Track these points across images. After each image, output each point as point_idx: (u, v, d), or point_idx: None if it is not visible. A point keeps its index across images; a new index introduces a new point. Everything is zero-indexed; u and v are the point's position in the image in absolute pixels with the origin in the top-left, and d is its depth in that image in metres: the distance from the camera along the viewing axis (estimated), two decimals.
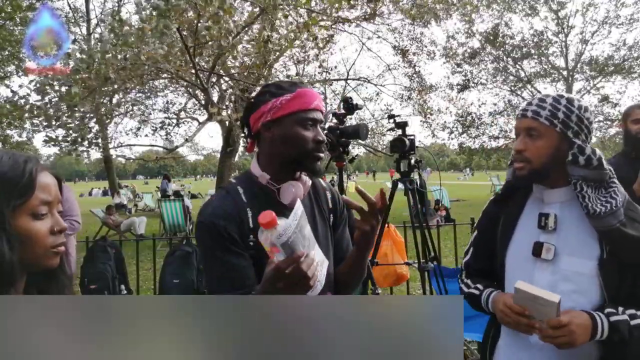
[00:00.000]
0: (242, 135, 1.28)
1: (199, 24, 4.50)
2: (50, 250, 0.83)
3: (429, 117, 13.01)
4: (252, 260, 1.12)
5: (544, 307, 1.11)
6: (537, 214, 1.30)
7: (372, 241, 1.20)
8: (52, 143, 5.87)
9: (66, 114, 5.69)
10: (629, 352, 1.18)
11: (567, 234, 1.25)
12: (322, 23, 6.28)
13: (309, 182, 1.25)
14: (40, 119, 5.64)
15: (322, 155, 1.21)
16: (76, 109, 5.37)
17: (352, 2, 5.26)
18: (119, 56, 4.62)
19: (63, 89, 4.93)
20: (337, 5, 5.26)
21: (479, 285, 1.41)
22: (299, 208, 0.96)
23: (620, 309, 1.16)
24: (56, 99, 5.30)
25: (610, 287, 1.18)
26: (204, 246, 1.14)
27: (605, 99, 14.96)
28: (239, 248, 1.11)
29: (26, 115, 5.35)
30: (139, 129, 12.15)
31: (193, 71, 5.41)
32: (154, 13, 3.97)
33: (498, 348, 1.38)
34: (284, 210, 1.18)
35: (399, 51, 12.09)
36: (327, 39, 6.31)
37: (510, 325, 1.22)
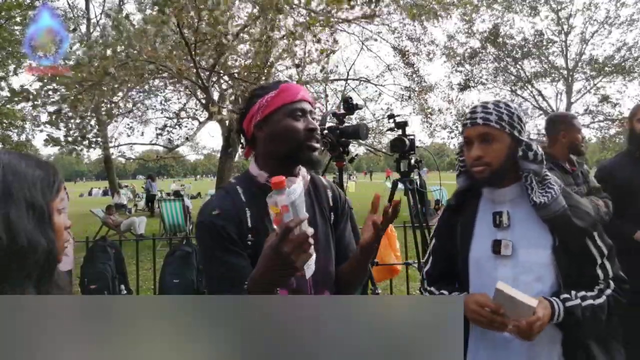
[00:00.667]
0: (240, 144, 1.30)
1: (198, 22, 4.51)
2: (62, 245, 0.88)
3: (429, 117, 13.02)
4: (250, 260, 1.12)
5: (520, 309, 1.18)
6: (491, 214, 1.39)
7: (378, 245, 1.23)
8: (53, 143, 5.87)
9: (66, 112, 5.69)
10: (583, 329, 1.28)
11: (521, 228, 1.35)
12: (322, 23, 6.28)
13: (308, 177, 1.26)
14: (42, 114, 5.66)
15: (316, 145, 1.20)
16: (78, 107, 5.37)
17: (351, 2, 5.26)
18: (121, 52, 4.62)
19: (63, 90, 4.94)
20: (336, 5, 5.26)
21: (443, 291, 1.47)
22: (298, 185, 0.96)
23: (573, 292, 1.26)
24: (57, 97, 5.31)
25: (564, 271, 1.28)
26: (204, 246, 1.15)
27: (605, 98, 14.96)
28: (238, 248, 1.12)
29: (33, 113, 5.37)
30: (141, 131, 12.15)
31: (194, 70, 5.41)
32: (155, 8, 3.98)
33: (469, 350, 1.42)
34: None
35: (398, 51, 12.09)
36: (329, 51, 6.33)
37: (483, 323, 1.27)
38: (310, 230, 0.93)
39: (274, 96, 1.17)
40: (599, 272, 1.31)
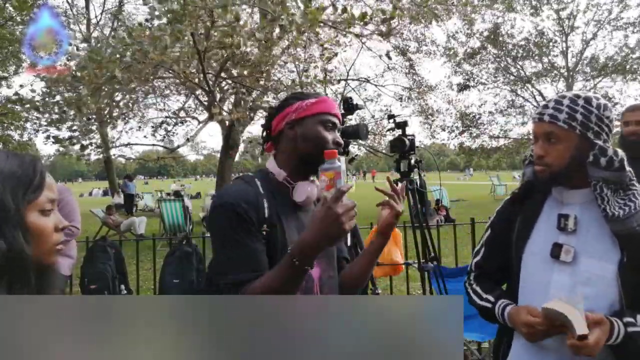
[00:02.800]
0: (259, 141, 1.36)
1: (211, 31, 4.51)
2: (54, 247, 0.85)
3: (429, 117, 13.03)
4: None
5: (571, 329, 1.10)
6: (557, 215, 1.27)
7: (390, 234, 1.32)
8: (59, 145, 5.87)
9: (71, 114, 5.68)
10: (637, 358, 1.17)
11: (587, 236, 1.22)
12: (333, 35, 6.30)
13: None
14: (45, 116, 5.65)
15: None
16: (82, 110, 5.37)
17: (366, 19, 5.23)
18: (127, 55, 4.62)
19: (65, 88, 4.93)
20: (349, 22, 5.25)
21: (489, 297, 1.37)
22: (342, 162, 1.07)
23: (639, 317, 1.14)
24: (62, 99, 5.31)
25: (628, 291, 1.16)
26: (222, 229, 1.13)
27: (605, 98, 14.96)
28: (257, 232, 1.13)
29: (35, 115, 5.37)
30: (139, 128, 12.16)
31: (198, 73, 5.43)
32: (169, 16, 3.97)
33: (511, 354, 1.35)
34: (298, 210, 1.24)
35: (399, 51, 12.09)
36: (332, 54, 6.33)
37: (538, 337, 1.19)
38: (353, 201, 1.02)
39: (314, 103, 1.24)
40: None
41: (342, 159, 1.10)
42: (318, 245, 1.02)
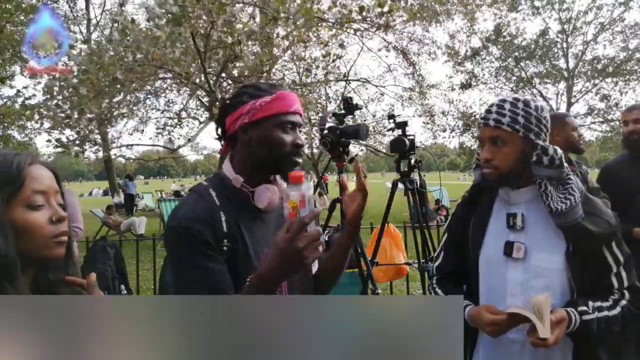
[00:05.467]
0: (216, 137, 1.24)
1: (211, 30, 4.51)
2: (51, 240, 0.84)
3: (431, 118, 13.03)
4: (226, 265, 1.08)
5: (534, 329, 1.16)
6: (505, 215, 1.34)
7: (359, 226, 1.23)
8: (61, 147, 5.87)
9: (75, 117, 5.68)
10: (596, 340, 1.26)
11: (535, 231, 1.30)
12: (332, 32, 6.29)
13: (284, 185, 1.21)
14: (47, 120, 5.65)
15: (299, 160, 1.18)
16: (85, 111, 5.38)
17: (364, 13, 5.22)
18: (129, 57, 4.63)
19: (68, 92, 4.93)
20: (348, 16, 5.25)
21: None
22: (310, 182, 0.98)
23: (591, 304, 1.22)
24: (63, 100, 5.31)
25: (577, 279, 1.24)
26: (177, 252, 1.08)
27: (605, 98, 14.97)
28: (214, 252, 1.07)
29: (36, 117, 5.37)
30: (142, 130, 12.16)
31: (200, 73, 5.43)
32: (169, 17, 3.97)
33: (477, 351, 1.40)
34: (261, 214, 1.16)
35: (399, 51, 12.09)
36: (335, 57, 6.32)
37: (501, 333, 1.24)
38: (319, 229, 0.94)
39: (269, 102, 1.12)
40: (614, 280, 1.27)
41: (310, 184, 0.99)
42: (277, 279, 0.97)
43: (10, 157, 0.82)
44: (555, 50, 15.71)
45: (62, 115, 5.49)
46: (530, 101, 1.29)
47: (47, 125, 5.94)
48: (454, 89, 15.47)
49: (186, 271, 1.07)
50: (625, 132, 2.59)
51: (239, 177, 1.15)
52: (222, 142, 1.23)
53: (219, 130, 1.22)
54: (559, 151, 1.27)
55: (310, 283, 1.24)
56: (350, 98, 2.92)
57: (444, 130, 14.82)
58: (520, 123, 1.26)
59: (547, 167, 1.25)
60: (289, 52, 6.62)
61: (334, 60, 6.36)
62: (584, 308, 1.21)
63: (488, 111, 1.31)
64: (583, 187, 1.32)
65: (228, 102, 1.19)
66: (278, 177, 1.21)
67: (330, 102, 12.06)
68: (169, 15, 3.97)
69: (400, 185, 2.97)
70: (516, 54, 15.30)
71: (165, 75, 6.64)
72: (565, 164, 1.28)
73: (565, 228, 1.24)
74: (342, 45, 6.68)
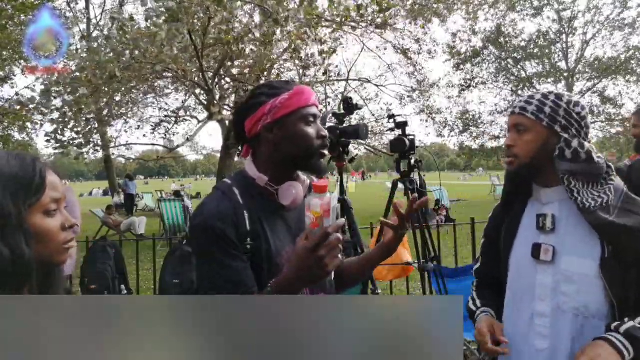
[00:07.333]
0: (232, 142, 1.27)
1: (209, 27, 4.51)
2: (62, 246, 0.85)
3: (430, 118, 13.02)
4: (249, 263, 1.09)
5: None
6: (536, 215, 1.28)
7: (396, 248, 1.26)
8: (61, 148, 5.87)
9: (72, 114, 5.68)
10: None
11: (566, 233, 1.22)
12: (328, 30, 6.29)
13: (308, 182, 1.23)
14: (45, 119, 5.66)
15: (326, 152, 1.20)
16: (83, 110, 5.37)
17: (361, 11, 5.22)
18: (126, 54, 4.63)
19: (68, 94, 4.94)
20: (346, 14, 5.25)
21: (478, 302, 1.41)
22: (334, 192, 0.99)
23: (638, 320, 1.11)
24: (61, 101, 5.31)
25: (614, 287, 1.14)
26: (201, 250, 1.10)
27: (605, 98, 14.98)
28: (237, 251, 1.08)
29: (35, 118, 5.38)
30: (138, 127, 12.14)
31: (197, 71, 5.43)
32: (167, 15, 3.98)
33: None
34: (283, 212, 1.17)
35: (399, 51, 12.08)
36: (331, 51, 6.31)
37: (484, 349, 1.23)
38: (340, 236, 0.95)
39: (289, 98, 1.13)
40: None
41: (335, 194, 1.00)
42: (297, 286, 0.99)
43: (30, 163, 0.82)
44: (555, 49, 15.72)
45: (59, 114, 5.49)
46: (564, 95, 1.24)
47: (47, 125, 5.96)
48: (453, 86, 15.49)
49: (209, 269, 1.08)
50: (633, 133, 2.60)
51: (263, 176, 1.15)
52: (241, 146, 1.24)
53: (237, 135, 1.23)
54: (587, 146, 1.20)
55: (331, 284, 1.27)
56: (350, 98, 2.92)
57: (444, 128, 14.82)
58: (546, 113, 1.21)
59: (570, 161, 1.19)
60: (288, 51, 6.61)
61: (330, 55, 6.33)
62: (633, 324, 1.09)
63: (518, 101, 1.29)
64: (624, 187, 1.24)
65: (245, 105, 1.19)
66: (301, 173, 1.22)
67: (328, 102, 12.06)
68: (166, 10, 3.98)
69: (400, 185, 2.97)
70: (515, 54, 15.31)
71: (164, 74, 6.63)
72: (600, 161, 1.20)
73: (598, 227, 1.15)
74: (339, 42, 6.70)
